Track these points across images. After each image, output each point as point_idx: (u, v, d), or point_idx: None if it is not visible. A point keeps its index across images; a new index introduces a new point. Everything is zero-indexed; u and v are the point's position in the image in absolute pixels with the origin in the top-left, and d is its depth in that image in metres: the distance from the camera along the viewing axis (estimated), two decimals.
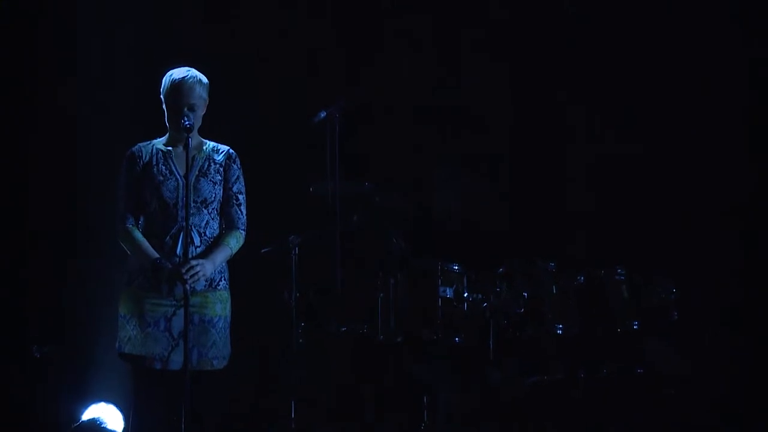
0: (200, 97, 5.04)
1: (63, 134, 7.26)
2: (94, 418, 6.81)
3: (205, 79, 5.10)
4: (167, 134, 5.14)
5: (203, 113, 5.09)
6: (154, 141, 5.14)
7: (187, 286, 4.82)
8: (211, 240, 5.00)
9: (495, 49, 7.57)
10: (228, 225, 5.07)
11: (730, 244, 7.19)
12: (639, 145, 7.35)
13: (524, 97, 7.57)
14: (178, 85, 5.01)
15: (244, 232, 5.10)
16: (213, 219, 5.02)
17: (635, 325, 6.64)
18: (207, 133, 5.21)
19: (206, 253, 4.96)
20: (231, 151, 5.16)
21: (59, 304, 7.23)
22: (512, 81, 7.57)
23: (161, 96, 5.09)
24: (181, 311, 4.85)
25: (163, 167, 5.02)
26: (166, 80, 5.07)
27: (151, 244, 4.92)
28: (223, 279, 5.05)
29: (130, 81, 7.04)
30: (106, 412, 6.88)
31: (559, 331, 6.60)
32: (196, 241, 4.95)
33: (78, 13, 7.29)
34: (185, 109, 4.99)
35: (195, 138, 5.06)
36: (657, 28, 7.41)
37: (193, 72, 5.09)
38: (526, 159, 7.63)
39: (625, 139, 7.38)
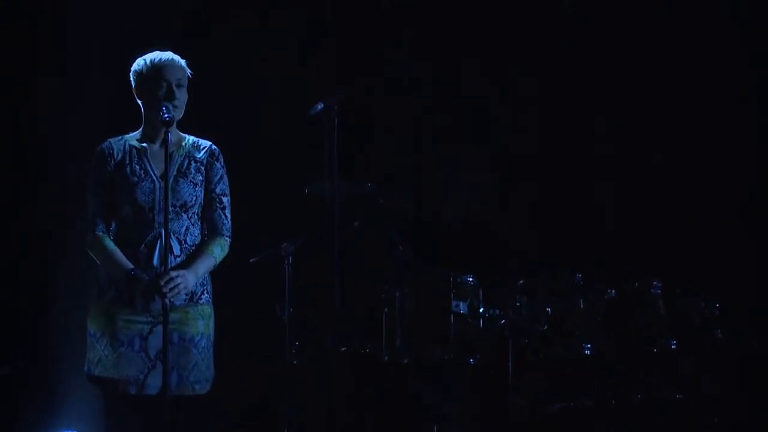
0: (184, 78, 4.92)
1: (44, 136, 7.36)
2: None
3: (185, 62, 4.95)
4: (141, 128, 4.98)
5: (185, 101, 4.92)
6: (127, 136, 4.98)
7: (167, 301, 4.68)
8: (192, 248, 4.87)
9: (507, 46, 7.65)
10: (211, 231, 4.94)
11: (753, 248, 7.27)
12: (658, 146, 7.48)
13: (526, 93, 7.66)
14: (161, 65, 4.88)
15: (229, 239, 4.96)
16: (193, 225, 4.89)
17: (673, 344, 6.57)
18: (189, 130, 5.05)
19: (187, 263, 4.83)
20: (213, 146, 5.02)
21: (21, 319, 7.14)
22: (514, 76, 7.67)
23: (134, 84, 4.94)
24: (158, 329, 4.72)
25: (138, 167, 4.88)
26: (140, 65, 4.93)
27: (124, 254, 4.78)
28: (205, 292, 4.92)
29: (125, 81, 7.08)
30: None
31: (587, 352, 6.52)
32: (176, 249, 4.82)
33: (77, 12, 7.41)
34: (170, 92, 4.84)
35: (174, 132, 4.88)
36: (656, 28, 7.52)
37: (173, 54, 4.97)
38: (547, 157, 7.63)
39: (642, 141, 7.50)
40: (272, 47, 7.64)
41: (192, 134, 5.06)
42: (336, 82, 7.20)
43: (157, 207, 4.84)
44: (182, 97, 4.93)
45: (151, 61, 4.92)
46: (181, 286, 4.76)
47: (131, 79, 4.97)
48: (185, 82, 4.95)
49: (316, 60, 7.63)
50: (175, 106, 4.89)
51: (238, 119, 7.24)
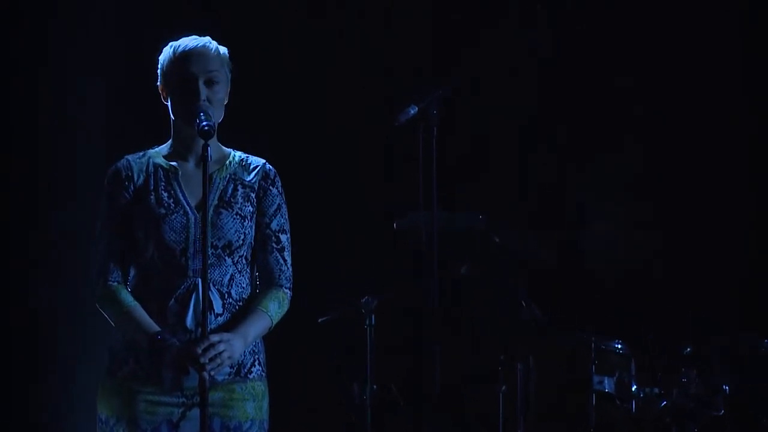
0: (221, 71, 4.73)
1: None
2: None
3: (225, 51, 4.75)
4: (169, 142, 4.76)
5: (225, 103, 4.75)
6: (150, 152, 4.76)
7: (205, 375, 4.49)
8: (239, 304, 4.68)
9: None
10: (265, 281, 4.75)
11: None
12: None
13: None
14: (188, 54, 4.71)
15: (289, 292, 4.77)
16: (241, 272, 4.69)
17: None
18: (236, 143, 4.82)
19: (232, 323, 4.64)
20: (268, 166, 4.79)
21: (12, 399, 7.16)
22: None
23: (159, 80, 4.77)
24: (194, 413, 4.53)
25: (165, 194, 4.68)
26: (165, 55, 4.75)
27: (147, 310, 4.61)
28: (257, 363, 4.72)
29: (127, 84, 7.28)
30: None
31: None
32: (217, 305, 4.62)
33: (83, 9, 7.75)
34: (191, 88, 4.64)
35: (214, 146, 4.65)
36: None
37: (209, 39, 4.71)
38: (717, 185, 7.64)
39: None
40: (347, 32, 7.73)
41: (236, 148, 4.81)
42: (434, 78, 7.22)
43: (191, 248, 4.65)
44: (215, 96, 4.69)
45: (175, 49, 4.74)
46: (225, 355, 4.54)
47: (159, 69, 4.78)
48: (221, 77, 4.72)
49: (408, 45, 7.67)
50: (199, 107, 4.66)
51: (299, 130, 7.27)
